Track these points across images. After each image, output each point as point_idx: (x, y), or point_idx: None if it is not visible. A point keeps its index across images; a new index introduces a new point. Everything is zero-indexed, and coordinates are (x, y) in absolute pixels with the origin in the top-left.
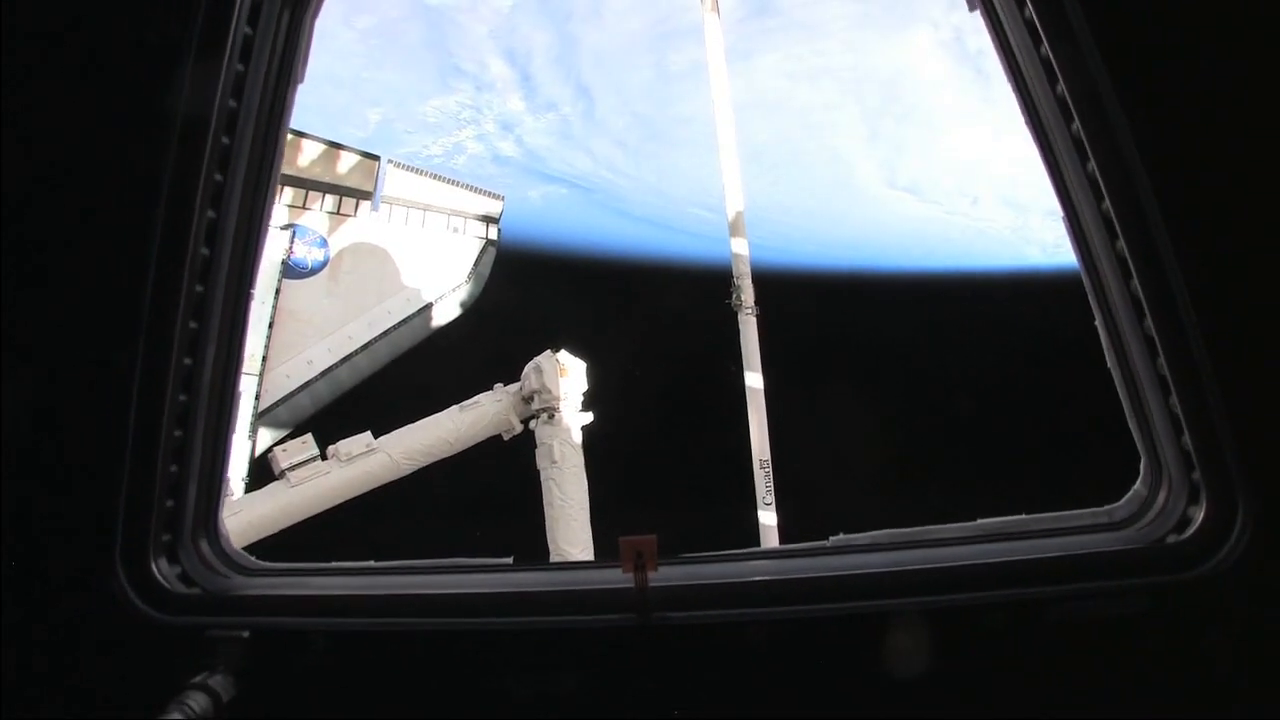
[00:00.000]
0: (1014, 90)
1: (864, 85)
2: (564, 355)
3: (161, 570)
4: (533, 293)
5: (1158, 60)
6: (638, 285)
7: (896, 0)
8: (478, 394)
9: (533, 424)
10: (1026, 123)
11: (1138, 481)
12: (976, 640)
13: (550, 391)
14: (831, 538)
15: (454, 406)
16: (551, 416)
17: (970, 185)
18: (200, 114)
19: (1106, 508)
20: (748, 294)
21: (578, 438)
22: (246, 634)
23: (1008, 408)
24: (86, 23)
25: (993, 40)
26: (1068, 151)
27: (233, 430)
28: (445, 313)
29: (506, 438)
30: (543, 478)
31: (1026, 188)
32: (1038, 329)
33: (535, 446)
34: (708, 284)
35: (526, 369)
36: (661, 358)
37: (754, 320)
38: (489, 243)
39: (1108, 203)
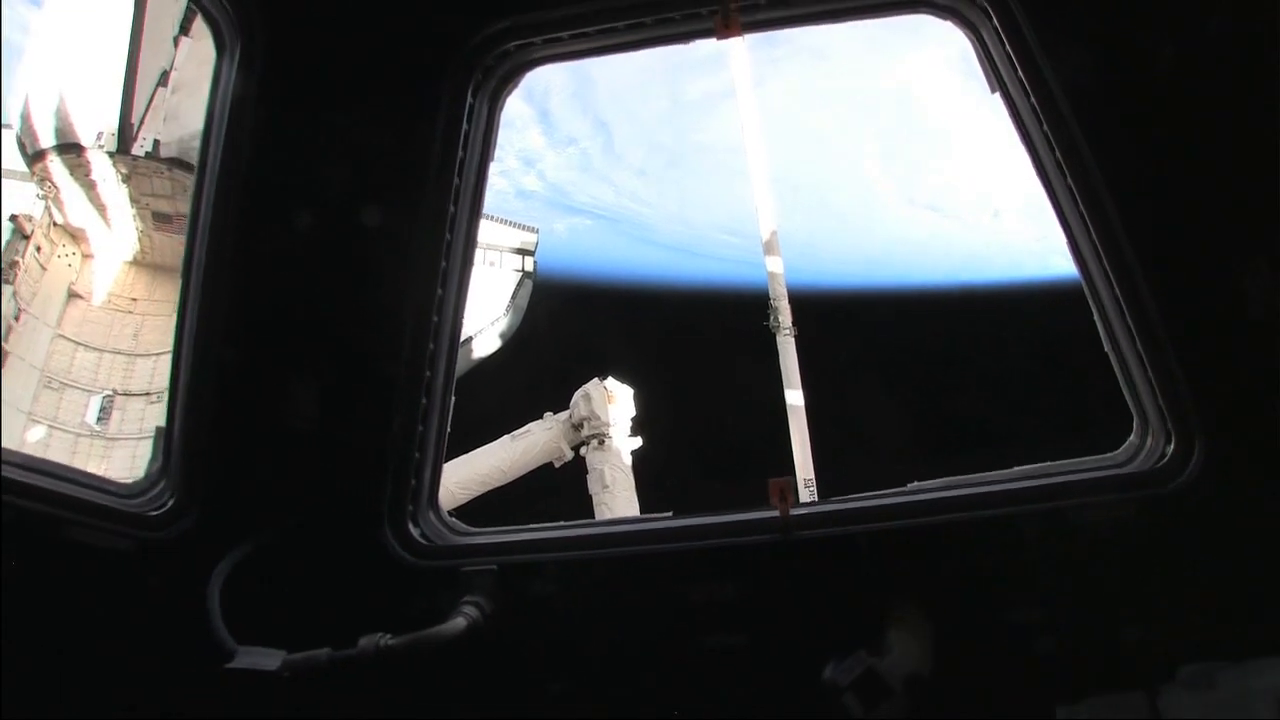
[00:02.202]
0: (1016, 129)
1: (876, 106)
2: (611, 382)
3: (413, 531)
4: (570, 322)
5: (1114, 109)
6: (673, 311)
7: (901, 22)
8: (527, 423)
9: (583, 451)
10: (1030, 158)
11: (1132, 434)
12: (1020, 542)
13: (599, 418)
14: (910, 484)
15: (505, 436)
16: (601, 442)
17: (990, 199)
18: (441, 189)
19: (1111, 454)
20: (785, 315)
21: (628, 461)
22: (494, 567)
23: (1036, 410)
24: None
25: (1011, 119)
26: (1060, 182)
27: (446, 429)
28: (487, 345)
29: (558, 465)
30: (595, 503)
31: (1045, 199)
32: (1065, 337)
33: (586, 473)
34: (741, 306)
35: (575, 397)
36: (704, 381)
37: (792, 341)
38: (525, 275)
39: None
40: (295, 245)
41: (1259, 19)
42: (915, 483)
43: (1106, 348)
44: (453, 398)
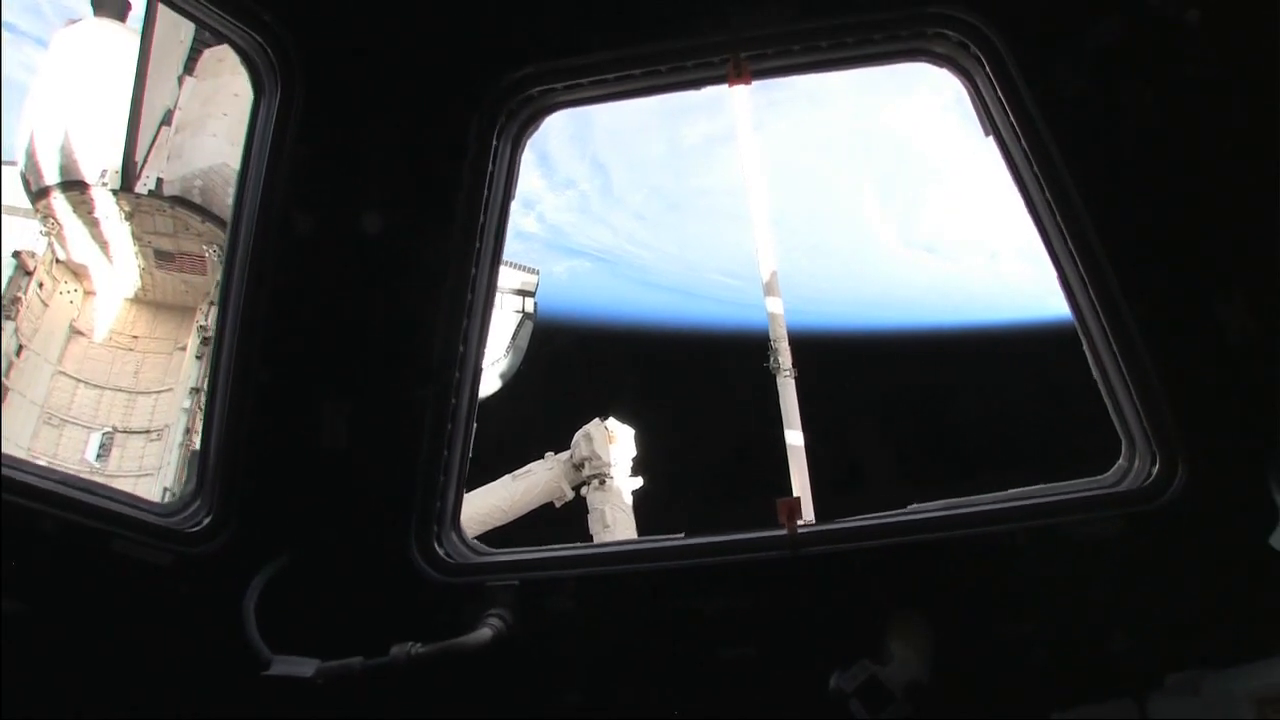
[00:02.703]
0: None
1: (872, 150)
2: (612, 423)
3: (438, 549)
4: (571, 363)
5: (1092, 146)
6: (673, 352)
7: (895, 68)
8: (528, 463)
9: (584, 490)
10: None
11: (1120, 457)
12: (1015, 557)
13: (600, 458)
14: (910, 506)
15: (506, 476)
16: (602, 482)
17: (986, 240)
18: (467, 225)
19: (1101, 476)
20: (785, 356)
21: (629, 501)
22: (517, 582)
23: (1032, 447)
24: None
25: (1004, 162)
26: (1050, 221)
27: (469, 454)
28: (487, 386)
29: (559, 504)
30: (595, 542)
31: (1039, 240)
32: (1061, 377)
33: (587, 512)
34: (740, 348)
35: (576, 437)
36: (704, 421)
37: (792, 382)
38: (526, 316)
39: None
40: (329, 275)
41: (1232, 67)
42: (915, 504)
43: (1095, 375)
44: (475, 425)
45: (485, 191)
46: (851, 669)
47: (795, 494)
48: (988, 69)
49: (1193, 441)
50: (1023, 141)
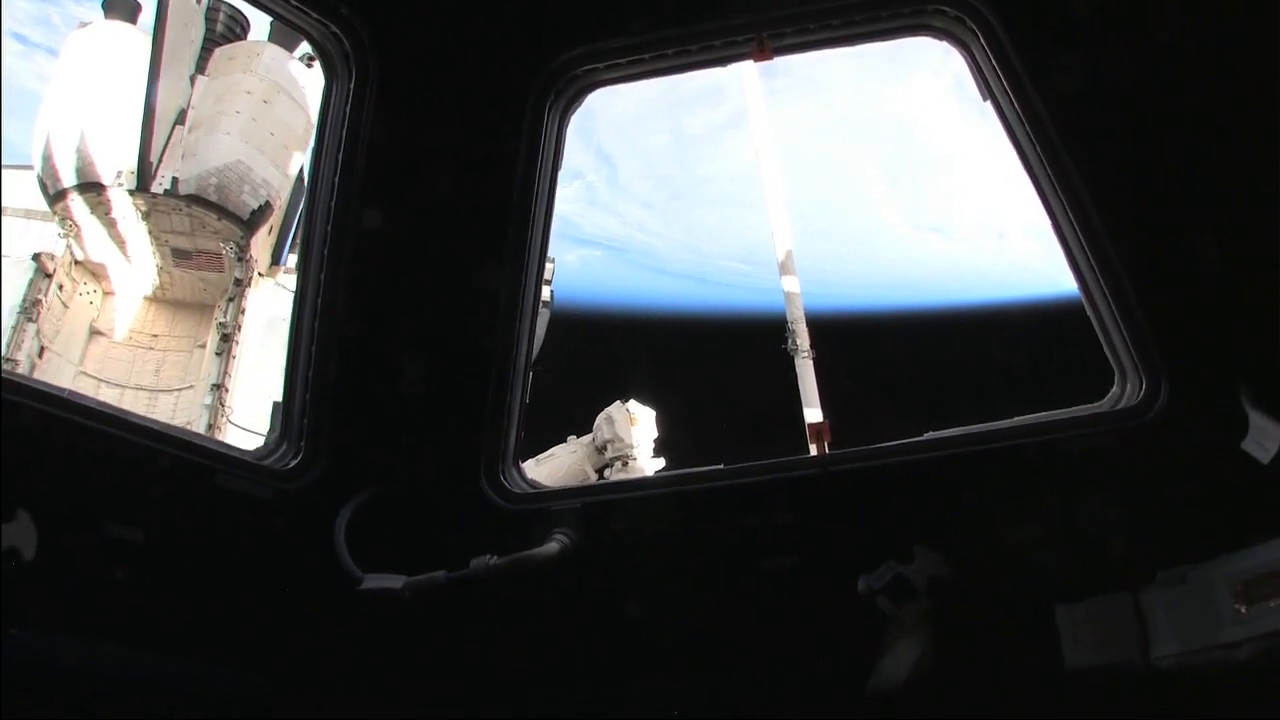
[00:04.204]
0: (1013, 144)
1: (877, 134)
2: (633, 405)
3: (503, 480)
4: (588, 350)
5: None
6: (687, 336)
7: (896, 53)
8: (551, 447)
9: (607, 473)
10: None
11: (1114, 384)
12: (1022, 471)
13: (623, 440)
14: (925, 434)
15: (530, 460)
16: (625, 464)
17: (994, 220)
18: (525, 192)
19: (1098, 402)
20: (803, 338)
21: None
22: (579, 505)
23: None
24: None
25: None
26: (1043, 174)
27: (527, 399)
28: None
29: None
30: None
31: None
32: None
33: None
34: (755, 331)
35: (598, 420)
36: (723, 402)
37: (810, 363)
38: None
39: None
40: (402, 241)
41: (1203, 31)
42: (930, 433)
43: (1088, 312)
44: (532, 373)
45: (538, 161)
46: (878, 570)
47: None
48: (982, 39)
49: (1173, 363)
50: (1015, 103)
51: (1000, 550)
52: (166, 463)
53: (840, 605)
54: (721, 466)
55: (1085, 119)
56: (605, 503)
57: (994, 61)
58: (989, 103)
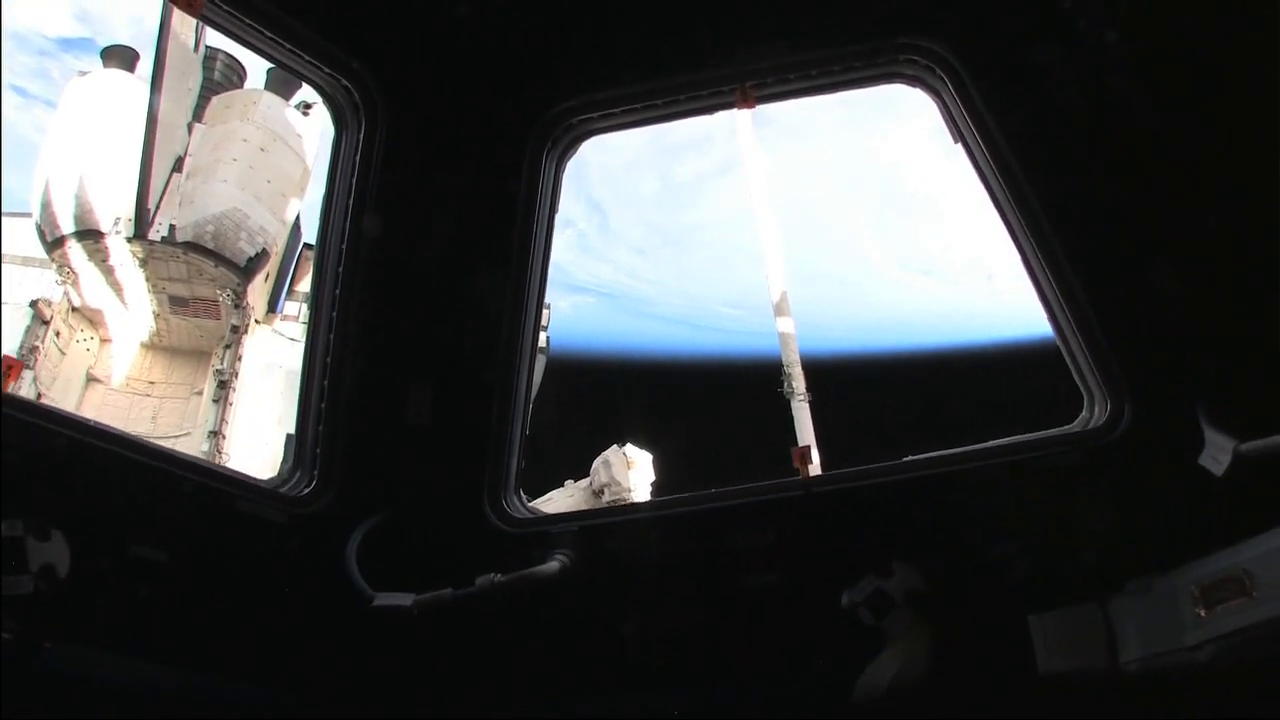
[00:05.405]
0: (986, 191)
1: (862, 180)
2: (630, 449)
3: (505, 506)
4: (585, 396)
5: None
6: (682, 380)
7: (878, 101)
8: (548, 491)
9: None
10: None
11: (1083, 409)
12: (996, 489)
13: (620, 483)
14: (905, 458)
15: None
16: None
17: (981, 262)
18: (524, 233)
19: (1068, 425)
20: (798, 381)
21: None
22: (576, 528)
23: None
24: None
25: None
26: (1010, 210)
27: (527, 429)
28: None
29: None
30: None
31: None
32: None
33: None
34: (749, 374)
35: (595, 464)
36: (721, 445)
37: (807, 406)
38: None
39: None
40: (409, 280)
41: (1149, 70)
42: (909, 456)
43: (1057, 341)
44: (531, 405)
45: (536, 205)
46: (860, 584)
47: None
48: (949, 86)
49: (1136, 386)
50: (981, 143)
51: (976, 564)
52: (190, 488)
53: (824, 618)
54: (711, 490)
55: (1046, 156)
56: (602, 525)
57: (961, 106)
58: (959, 144)
